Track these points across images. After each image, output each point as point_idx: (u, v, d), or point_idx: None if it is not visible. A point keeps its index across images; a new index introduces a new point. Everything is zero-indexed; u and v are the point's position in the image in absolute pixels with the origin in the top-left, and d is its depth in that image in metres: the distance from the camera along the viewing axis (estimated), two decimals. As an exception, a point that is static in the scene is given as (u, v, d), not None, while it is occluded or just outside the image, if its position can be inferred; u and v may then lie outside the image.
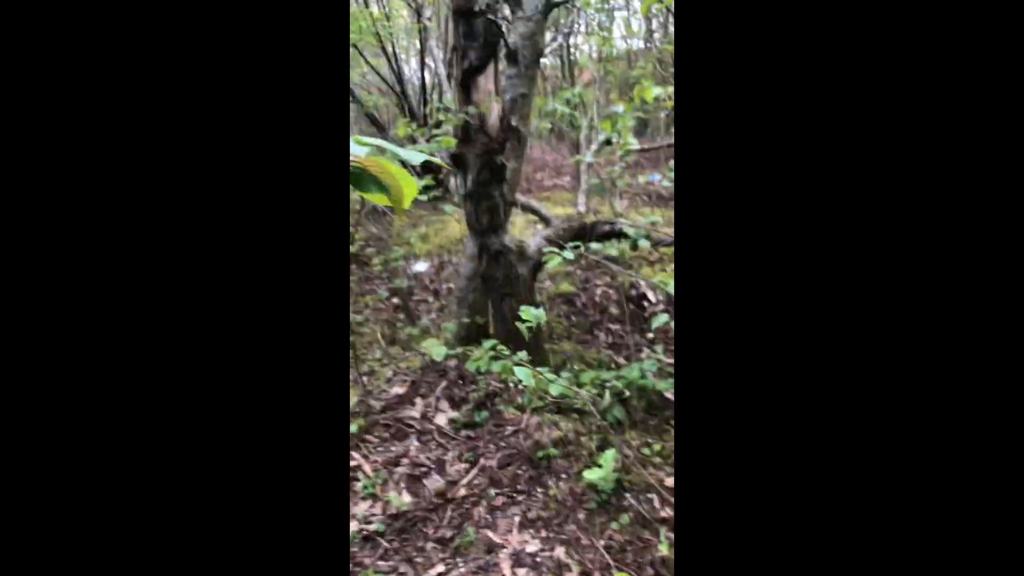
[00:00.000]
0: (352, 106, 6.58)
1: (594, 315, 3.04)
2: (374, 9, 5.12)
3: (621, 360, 2.36)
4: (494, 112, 1.79)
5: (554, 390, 1.37)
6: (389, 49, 5.46)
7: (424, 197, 2.24)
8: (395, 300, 3.26)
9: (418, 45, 5.64)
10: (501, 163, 1.85)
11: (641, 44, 7.15)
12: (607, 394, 1.63)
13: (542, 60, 2.41)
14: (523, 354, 1.41)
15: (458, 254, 4.34)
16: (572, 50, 7.18)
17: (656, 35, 6.71)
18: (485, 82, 1.75)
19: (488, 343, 1.50)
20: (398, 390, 2.19)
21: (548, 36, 5.50)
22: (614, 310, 3.03)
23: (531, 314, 1.27)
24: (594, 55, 7.21)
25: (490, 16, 1.63)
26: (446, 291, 3.78)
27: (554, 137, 7.66)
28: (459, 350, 1.82)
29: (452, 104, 1.83)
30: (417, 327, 2.56)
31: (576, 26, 6.12)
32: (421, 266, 4.55)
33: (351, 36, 4.42)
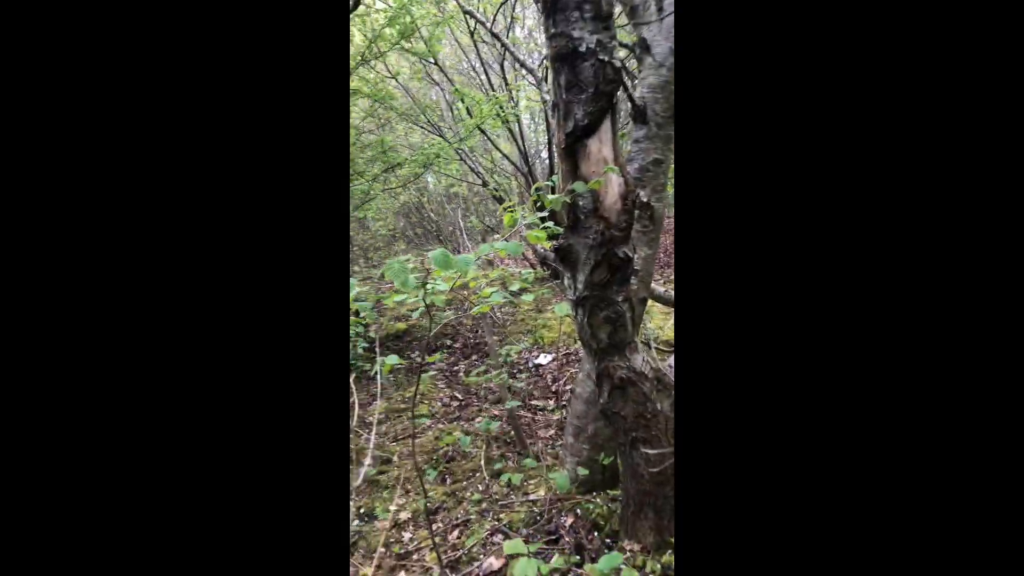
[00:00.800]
0: (481, 190, 6.59)
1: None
2: (500, 92, 5.08)
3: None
4: (613, 187, 1.26)
5: None
6: (515, 129, 5.36)
7: (530, 296, 1.78)
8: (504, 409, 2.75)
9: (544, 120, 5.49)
10: (625, 256, 1.29)
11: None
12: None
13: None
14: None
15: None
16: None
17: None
18: (599, 148, 1.25)
19: (610, 559, 0.89)
20: (493, 563, 1.62)
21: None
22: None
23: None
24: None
25: (601, 56, 1.14)
26: (569, 393, 3.19)
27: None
28: (560, 562, 1.21)
29: (556, 181, 1.34)
30: (523, 468, 2.00)
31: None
32: (544, 358, 4.03)
33: (484, 122, 4.42)
